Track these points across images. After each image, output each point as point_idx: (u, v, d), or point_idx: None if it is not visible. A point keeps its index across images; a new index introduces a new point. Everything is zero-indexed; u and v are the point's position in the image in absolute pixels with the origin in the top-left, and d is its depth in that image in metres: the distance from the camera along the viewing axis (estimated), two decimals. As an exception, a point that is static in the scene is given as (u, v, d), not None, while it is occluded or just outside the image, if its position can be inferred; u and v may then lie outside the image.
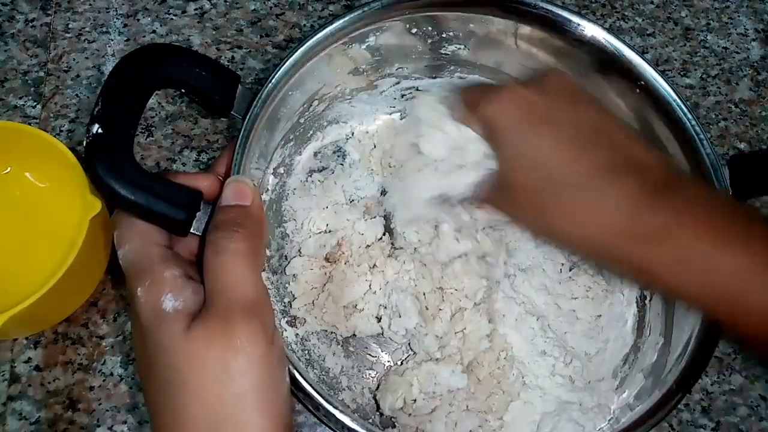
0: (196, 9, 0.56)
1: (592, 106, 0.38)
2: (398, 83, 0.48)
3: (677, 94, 0.42)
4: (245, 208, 0.35)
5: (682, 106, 0.41)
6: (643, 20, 0.59)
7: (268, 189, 0.45)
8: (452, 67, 0.48)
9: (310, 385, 0.35)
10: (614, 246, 0.34)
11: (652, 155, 0.36)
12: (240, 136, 0.38)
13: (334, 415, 0.35)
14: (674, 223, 0.33)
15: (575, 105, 0.37)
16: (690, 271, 0.33)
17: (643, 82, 0.42)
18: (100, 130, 0.34)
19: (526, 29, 0.44)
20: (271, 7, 0.56)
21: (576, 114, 0.37)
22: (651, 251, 0.34)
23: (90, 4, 0.55)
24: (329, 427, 0.35)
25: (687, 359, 0.38)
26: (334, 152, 0.49)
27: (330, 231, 0.46)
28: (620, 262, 0.36)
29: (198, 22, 0.55)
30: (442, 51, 0.47)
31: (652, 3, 0.60)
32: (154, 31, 0.54)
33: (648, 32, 0.59)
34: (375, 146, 0.49)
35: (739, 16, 0.60)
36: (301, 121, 0.46)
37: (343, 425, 0.35)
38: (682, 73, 0.57)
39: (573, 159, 0.35)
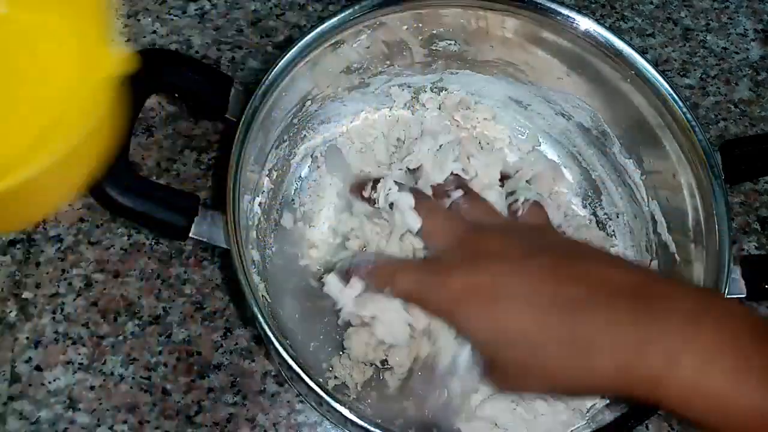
0: (196, 9, 0.56)
1: (503, 230, 0.38)
2: (390, 81, 0.49)
3: (671, 87, 0.42)
4: None
5: (674, 95, 0.42)
6: (642, 20, 0.59)
7: (263, 191, 0.45)
8: (443, 62, 0.48)
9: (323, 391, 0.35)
10: (628, 388, 0.32)
11: (614, 263, 0.35)
12: (235, 140, 0.38)
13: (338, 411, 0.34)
14: (676, 353, 0.30)
15: (500, 246, 0.36)
16: (701, 411, 0.30)
17: (633, 72, 0.43)
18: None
19: (515, 23, 0.44)
20: (271, 8, 0.57)
21: (503, 266, 0.35)
22: (658, 392, 0.31)
23: (90, 5, 0.55)
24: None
25: None
26: (327, 150, 0.49)
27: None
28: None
29: (198, 23, 0.55)
30: (434, 47, 0.47)
31: (651, 3, 0.60)
32: (154, 32, 0.54)
33: (647, 32, 0.59)
34: (368, 144, 0.49)
35: (738, 17, 0.60)
36: (295, 121, 0.46)
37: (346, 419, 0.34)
38: (681, 73, 0.57)
39: (538, 326, 0.33)
